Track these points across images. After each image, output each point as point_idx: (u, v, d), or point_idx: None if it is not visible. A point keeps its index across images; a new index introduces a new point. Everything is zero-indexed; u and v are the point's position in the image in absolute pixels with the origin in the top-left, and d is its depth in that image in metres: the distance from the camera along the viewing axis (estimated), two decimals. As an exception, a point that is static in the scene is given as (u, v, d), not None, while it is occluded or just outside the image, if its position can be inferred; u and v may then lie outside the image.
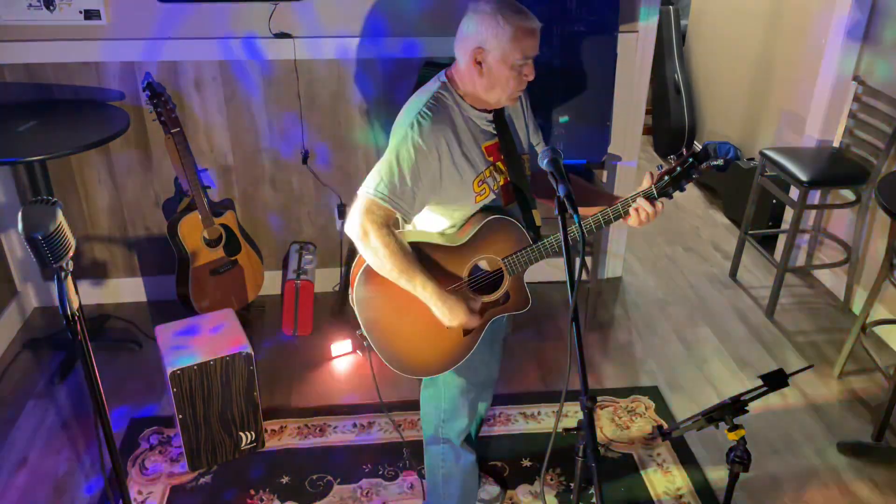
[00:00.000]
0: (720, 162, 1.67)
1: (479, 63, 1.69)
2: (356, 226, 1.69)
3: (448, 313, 1.74)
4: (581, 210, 1.79)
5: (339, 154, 3.31)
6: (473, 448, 2.19)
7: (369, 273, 1.76)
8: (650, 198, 1.71)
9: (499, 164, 1.83)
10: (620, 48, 3.07)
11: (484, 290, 1.86)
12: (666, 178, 1.70)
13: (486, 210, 1.82)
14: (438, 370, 1.91)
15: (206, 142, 3.22)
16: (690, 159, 1.68)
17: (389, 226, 1.70)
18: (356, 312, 1.82)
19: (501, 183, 1.85)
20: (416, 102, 1.76)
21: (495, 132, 1.82)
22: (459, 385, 2.00)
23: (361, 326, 1.83)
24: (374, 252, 1.69)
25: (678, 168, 1.69)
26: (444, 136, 1.71)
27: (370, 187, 1.70)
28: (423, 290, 1.72)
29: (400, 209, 1.70)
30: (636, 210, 1.72)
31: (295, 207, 3.42)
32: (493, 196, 1.82)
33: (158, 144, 3.17)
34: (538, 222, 1.86)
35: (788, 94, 4.08)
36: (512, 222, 1.81)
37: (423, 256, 1.77)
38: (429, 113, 1.71)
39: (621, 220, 1.75)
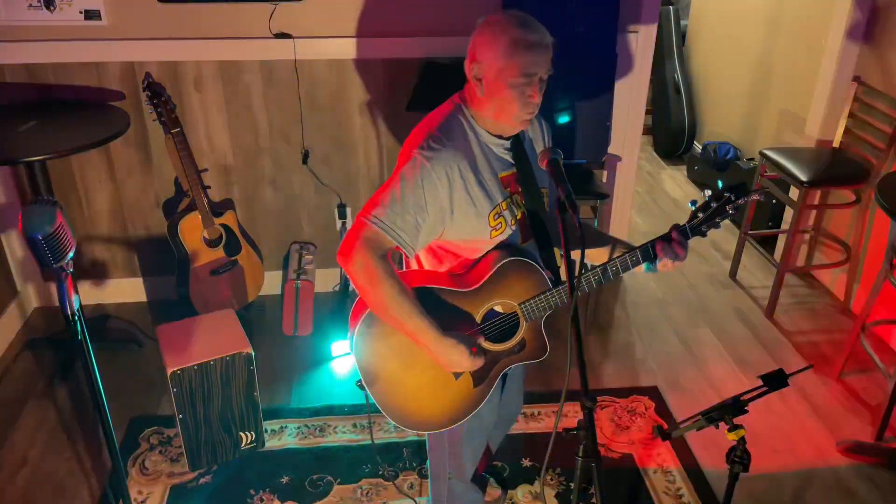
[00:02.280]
0: (761, 196, 1.51)
1: (479, 80, 1.54)
2: (349, 253, 1.53)
3: (446, 357, 1.60)
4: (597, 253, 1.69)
5: (339, 154, 3.31)
6: (480, 485, 2.08)
7: (371, 321, 1.63)
8: (683, 235, 1.54)
9: (516, 196, 1.67)
10: (620, 48, 3.07)
11: (498, 338, 1.71)
12: (700, 214, 1.52)
13: (502, 248, 1.66)
14: (447, 424, 1.75)
15: (206, 142, 3.22)
16: (728, 193, 1.48)
17: (386, 258, 1.54)
18: (356, 362, 1.67)
19: (519, 217, 1.68)
20: (429, 123, 1.61)
21: (513, 162, 1.66)
22: (465, 431, 1.86)
23: (361, 378, 1.68)
24: (367, 282, 1.53)
25: (712, 203, 1.50)
26: (456, 164, 1.55)
27: (368, 213, 1.54)
28: (417, 331, 1.56)
29: (400, 241, 1.54)
30: (662, 249, 1.54)
31: (295, 207, 3.42)
32: (510, 231, 1.66)
33: (158, 144, 3.17)
34: (559, 262, 1.69)
35: (788, 94, 4.08)
36: (530, 265, 1.64)
37: (432, 301, 1.61)
38: (441, 137, 1.55)
39: (650, 260, 1.57)
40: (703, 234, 1.54)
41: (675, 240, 1.54)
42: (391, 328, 1.62)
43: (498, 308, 1.69)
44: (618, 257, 1.59)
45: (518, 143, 1.67)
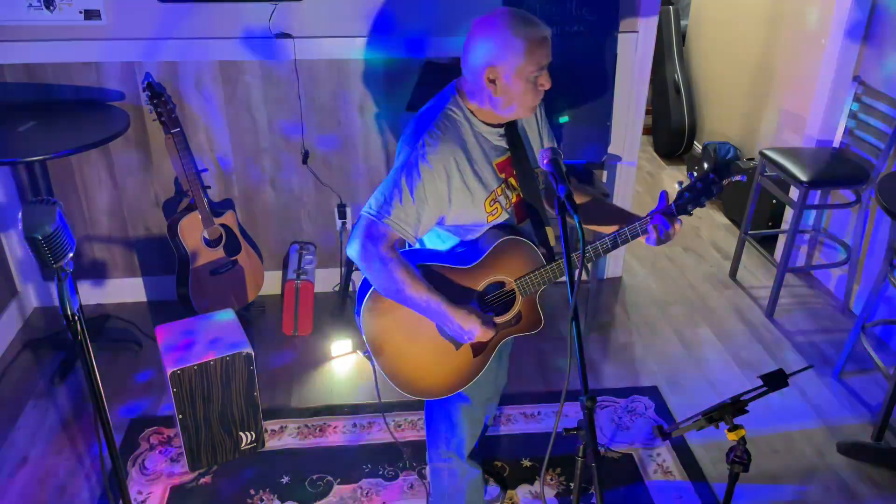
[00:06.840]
0: (742, 178, 1.63)
1: (493, 81, 1.62)
2: (357, 248, 1.63)
3: (462, 328, 1.70)
4: (600, 229, 1.77)
5: (339, 154, 3.31)
6: (478, 462, 2.16)
7: (377, 297, 1.72)
8: (670, 215, 1.66)
9: (511, 179, 1.77)
10: (620, 48, 3.07)
11: (496, 312, 1.82)
12: (686, 194, 1.64)
13: (498, 229, 1.76)
14: (448, 392, 1.86)
15: (206, 142, 3.22)
16: (711, 175, 1.61)
17: (392, 247, 1.64)
18: (363, 335, 1.78)
19: (514, 200, 1.78)
20: (425, 119, 1.69)
21: (507, 147, 1.76)
22: (464, 403, 1.96)
23: (368, 349, 1.79)
24: (377, 274, 1.63)
25: (698, 184, 1.63)
26: (453, 156, 1.64)
27: (372, 208, 1.64)
28: (433, 308, 1.66)
29: (403, 232, 1.64)
30: (654, 227, 1.67)
31: (295, 207, 3.42)
32: (505, 215, 1.77)
33: (158, 144, 3.17)
34: (552, 241, 1.80)
35: (788, 94, 4.08)
36: (524, 242, 1.75)
37: (434, 278, 1.71)
38: (437, 132, 1.64)
39: (639, 238, 1.70)
40: (689, 213, 1.67)
41: (664, 219, 1.67)
42: (396, 303, 1.71)
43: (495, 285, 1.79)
44: (608, 236, 1.72)
45: (512, 129, 1.76)
